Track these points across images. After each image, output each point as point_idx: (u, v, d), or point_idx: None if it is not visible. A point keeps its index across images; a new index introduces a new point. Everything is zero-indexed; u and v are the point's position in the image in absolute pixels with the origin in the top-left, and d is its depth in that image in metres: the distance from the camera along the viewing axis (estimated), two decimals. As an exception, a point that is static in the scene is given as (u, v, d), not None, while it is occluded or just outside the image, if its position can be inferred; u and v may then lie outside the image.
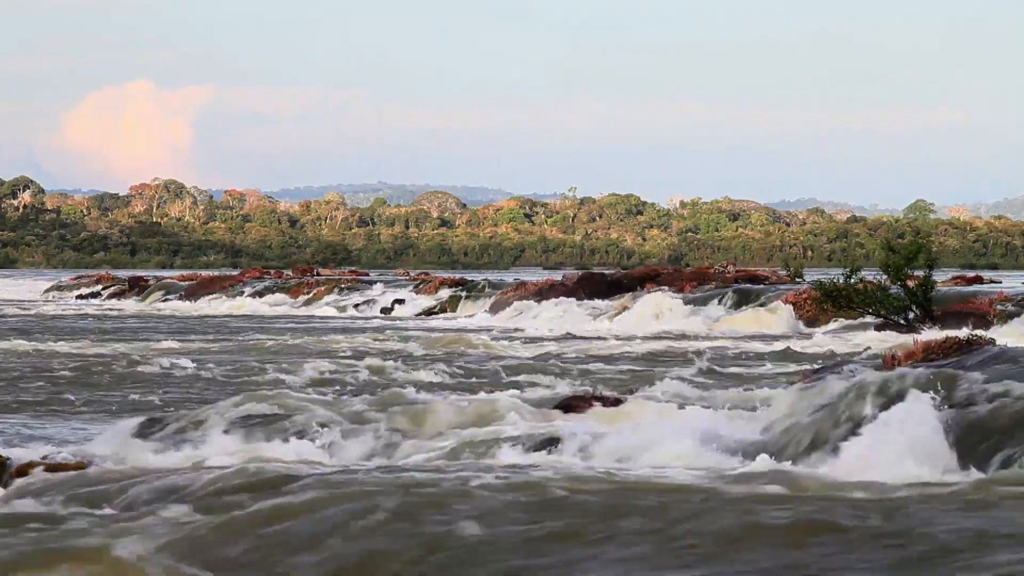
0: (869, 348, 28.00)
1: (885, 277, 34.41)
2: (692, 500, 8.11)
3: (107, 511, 8.62)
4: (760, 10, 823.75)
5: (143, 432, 13.09)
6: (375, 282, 61.78)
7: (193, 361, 24.31)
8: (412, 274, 71.65)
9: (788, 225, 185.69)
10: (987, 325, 31.20)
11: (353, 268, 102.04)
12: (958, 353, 12.80)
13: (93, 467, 10.73)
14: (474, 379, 21.21)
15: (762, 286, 43.31)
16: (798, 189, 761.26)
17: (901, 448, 9.77)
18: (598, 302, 45.67)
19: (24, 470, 10.43)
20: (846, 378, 11.69)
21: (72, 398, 18.54)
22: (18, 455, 11.45)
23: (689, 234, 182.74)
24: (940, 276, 40.62)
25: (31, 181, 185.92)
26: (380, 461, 11.38)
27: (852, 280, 34.17)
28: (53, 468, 10.47)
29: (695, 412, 12.42)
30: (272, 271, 77.77)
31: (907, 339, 23.78)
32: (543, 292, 48.67)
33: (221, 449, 11.99)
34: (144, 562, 6.53)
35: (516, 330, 38.22)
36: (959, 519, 7.45)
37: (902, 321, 33.67)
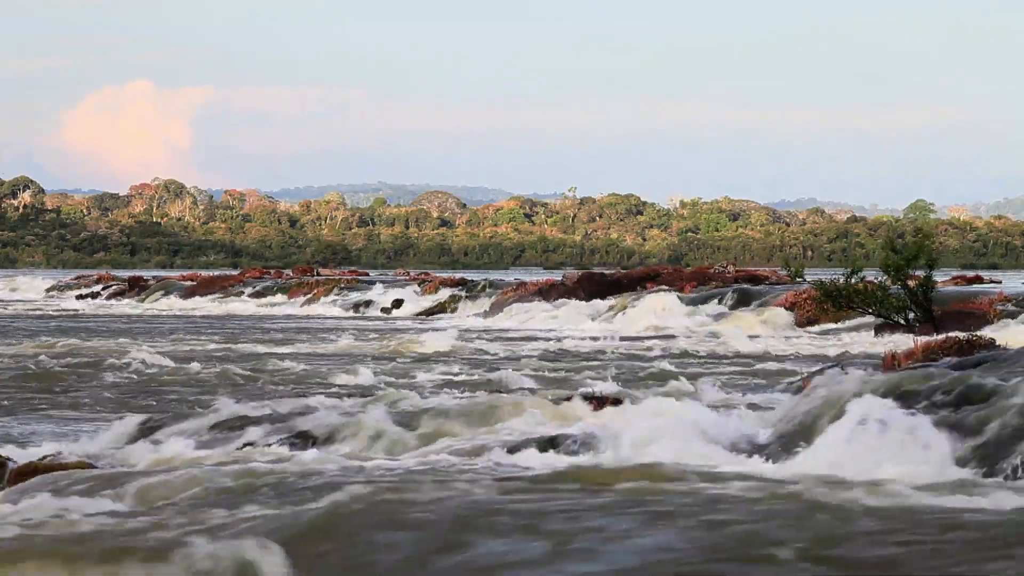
0: (869, 348, 28.02)
1: (885, 277, 34.41)
2: (685, 498, 8.14)
3: (111, 510, 8.64)
4: (760, 10, 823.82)
5: (145, 431, 13.10)
6: (375, 282, 61.77)
7: (197, 361, 24.33)
8: (412, 274, 71.63)
9: (788, 225, 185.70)
10: (987, 325, 31.20)
11: (353, 268, 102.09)
12: (958, 353, 12.82)
13: (96, 466, 10.75)
14: (477, 378, 21.21)
15: (762, 286, 43.32)
16: (798, 189, 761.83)
17: (900, 449, 9.78)
18: (598, 302, 45.66)
19: (26, 470, 10.44)
20: (845, 378, 11.70)
21: (74, 397, 18.55)
22: (20, 455, 11.46)
23: (689, 234, 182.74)
24: (940, 276, 40.64)
25: (31, 181, 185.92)
26: (379, 458, 11.39)
27: (852, 280, 34.18)
28: (56, 468, 10.47)
29: (692, 412, 12.43)
30: (272, 271, 77.78)
31: (907, 339, 23.79)
32: (543, 292, 48.68)
33: (222, 449, 12.01)
34: (149, 562, 6.55)
35: (516, 330, 38.23)
36: (958, 520, 7.47)
37: (902, 321, 33.68)
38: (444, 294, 54.07)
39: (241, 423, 12.94)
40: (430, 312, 51.03)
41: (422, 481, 8.64)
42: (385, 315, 51.81)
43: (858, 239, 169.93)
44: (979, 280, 47.48)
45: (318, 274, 69.43)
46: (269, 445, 12.09)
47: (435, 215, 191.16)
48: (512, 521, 7.56)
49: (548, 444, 11.33)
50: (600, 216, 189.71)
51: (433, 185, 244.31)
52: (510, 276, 76.44)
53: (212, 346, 29.74)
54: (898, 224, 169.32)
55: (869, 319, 34.61)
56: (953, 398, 10.55)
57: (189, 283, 67.12)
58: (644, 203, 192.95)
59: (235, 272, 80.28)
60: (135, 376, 21.81)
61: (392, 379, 21.12)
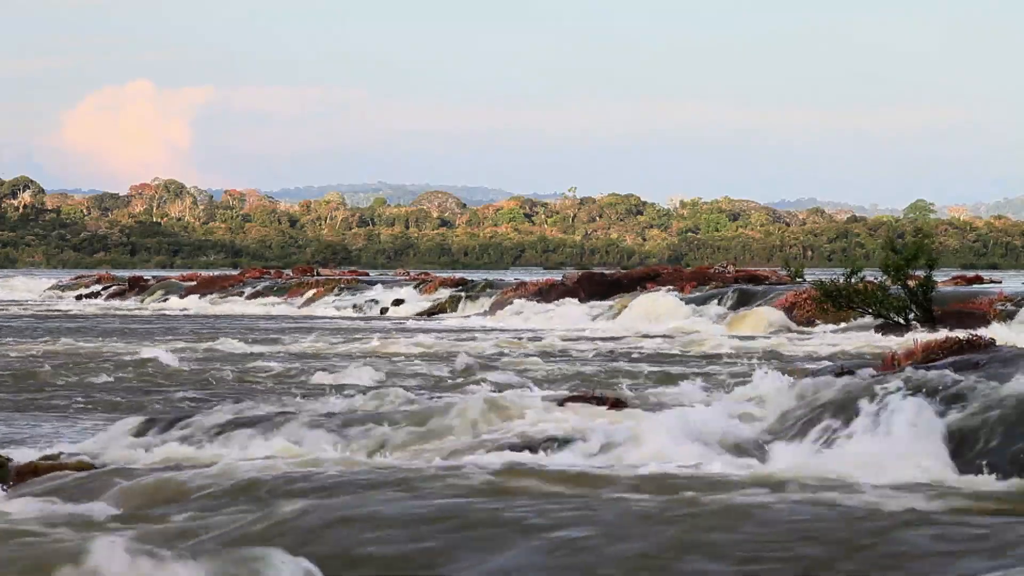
0: (869, 348, 28.02)
1: (885, 277, 34.42)
2: (681, 498, 8.14)
3: (111, 511, 8.64)
4: (760, 10, 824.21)
5: (145, 431, 13.09)
6: (375, 282, 61.78)
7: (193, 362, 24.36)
8: (412, 274, 71.63)
9: (788, 225, 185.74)
10: (987, 325, 31.18)
11: (353, 268, 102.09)
12: (958, 353, 12.80)
13: (96, 467, 10.74)
14: (462, 380, 21.21)
15: (762, 286, 43.30)
16: (798, 189, 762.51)
17: (899, 449, 9.78)
18: (598, 302, 45.67)
19: (26, 470, 10.43)
20: (845, 379, 11.70)
21: (72, 397, 18.55)
22: (19, 455, 11.46)
23: (689, 234, 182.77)
24: (940, 276, 40.64)
25: (31, 181, 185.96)
26: (376, 457, 11.39)
27: (852, 280, 34.18)
28: (56, 468, 10.47)
29: (690, 413, 12.42)
30: (272, 271, 77.75)
31: (907, 339, 23.79)
32: (543, 292, 48.68)
33: (223, 449, 12.00)
34: (151, 562, 6.54)
35: (513, 330, 38.23)
36: (957, 520, 7.46)
37: (902, 321, 33.68)
38: (444, 294, 54.08)
39: (231, 425, 12.93)
40: (430, 312, 51.03)
41: (304, 491, 8.49)
42: (384, 315, 51.81)
43: (858, 239, 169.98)
44: (979, 280, 47.47)
45: (318, 274, 69.43)
46: (243, 447, 12.10)
47: (435, 215, 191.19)
48: (351, 540, 7.29)
49: (487, 448, 11.21)
50: (600, 216, 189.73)
51: (433, 185, 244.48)
52: (510, 276, 76.44)
53: (210, 346, 29.75)
54: (898, 224, 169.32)
55: (869, 319, 34.60)
56: (950, 399, 10.54)
57: (189, 283, 67.12)
58: (644, 203, 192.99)
59: (235, 272, 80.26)
60: (134, 376, 21.81)
61: (379, 379, 21.11)
